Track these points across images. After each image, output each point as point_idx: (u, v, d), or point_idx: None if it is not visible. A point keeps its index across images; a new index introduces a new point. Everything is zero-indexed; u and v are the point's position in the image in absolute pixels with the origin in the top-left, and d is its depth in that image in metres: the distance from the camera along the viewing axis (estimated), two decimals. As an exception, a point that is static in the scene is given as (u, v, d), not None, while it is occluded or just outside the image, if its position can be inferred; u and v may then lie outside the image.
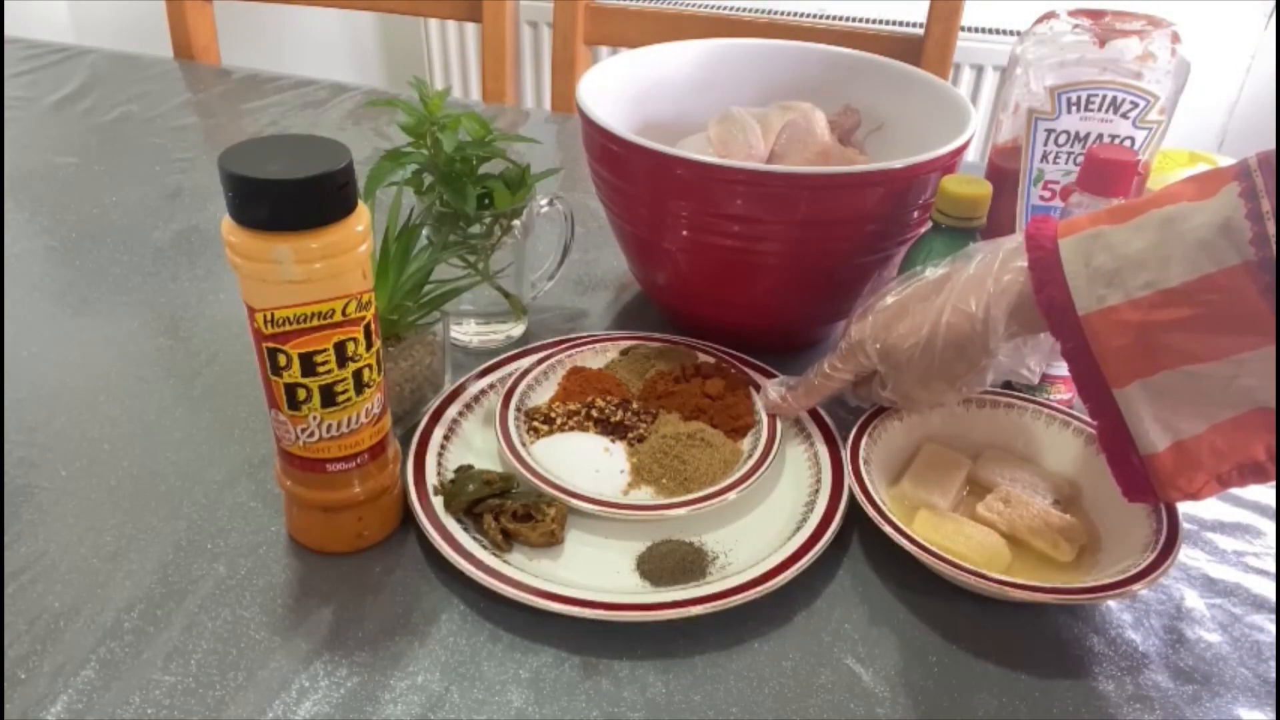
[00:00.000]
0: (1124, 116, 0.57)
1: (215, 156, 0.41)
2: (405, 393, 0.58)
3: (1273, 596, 0.52)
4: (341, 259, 0.43)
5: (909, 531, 0.49)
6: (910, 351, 0.51)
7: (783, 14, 1.34)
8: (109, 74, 1.22)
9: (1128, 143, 0.57)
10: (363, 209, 0.44)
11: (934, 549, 0.48)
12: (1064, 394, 0.62)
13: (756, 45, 0.79)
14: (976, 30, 1.63)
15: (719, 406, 0.59)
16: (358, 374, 0.46)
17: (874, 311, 0.54)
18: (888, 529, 0.49)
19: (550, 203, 0.69)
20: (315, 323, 0.44)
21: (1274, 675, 0.47)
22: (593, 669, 0.46)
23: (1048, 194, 0.60)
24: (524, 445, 0.56)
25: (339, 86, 1.19)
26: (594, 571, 0.50)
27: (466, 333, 0.69)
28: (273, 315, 0.43)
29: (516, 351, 0.65)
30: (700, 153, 0.64)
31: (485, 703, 0.44)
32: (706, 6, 1.69)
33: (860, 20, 1.61)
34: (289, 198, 0.41)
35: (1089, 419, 0.46)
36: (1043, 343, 0.51)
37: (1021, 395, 0.59)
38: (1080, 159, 0.58)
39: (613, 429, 0.58)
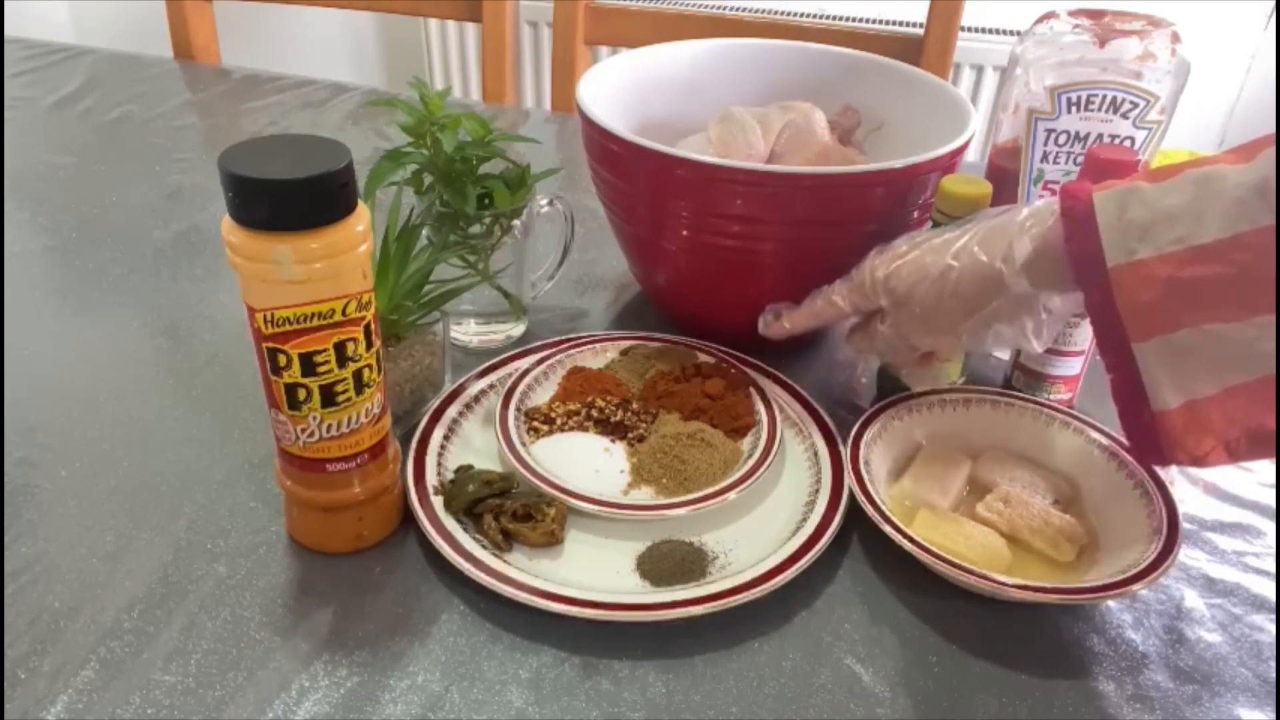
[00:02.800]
0: (1124, 116, 0.57)
1: (215, 156, 0.41)
2: (405, 393, 0.58)
3: (1273, 596, 0.52)
4: (341, 259, 0.43)
5: (909, 531, 0.49)
6: (918, 285, 0.51)
7: (783, 14, 1.34)
8: (109, 74, 1.22)
9: (1128, 143, 0.58)
10: (363, 209, 0.44)
11: (934, 549, 0.48)
12: (1064, 394, 0.62)
13: (756, 45, 0.79)
14: (976, 30, 1.63)
15: (719, 406, 0.59)
16: (358, 374, 0.46)
17: (890, 248, 0.54)
18: (888, 529, 0.49)
19: (550, 203, 0.69)
20: (315, 323, 0.44)
21: (1274, 675, 0.47)
22: (593, 669, 0.46)
23: (1048, 194, 0.60)
24: (524, 445, 0.56)
25: (339, 86, 1.19)
26: (594, 571, 0.50)
27: (466, 333, 0.69)
28: (273, 315, 0.43)
29: (516, 351, 0.65)
30: (700, 153, 0.64)
31: (485, 703, 0.44)
32: (706, 6, 1.69)
33: (860, 20, 1.61)
34: (289, 198, 0.41)
35: (1105, 370, 0.46)
36: (1054, 311, 0.50)
37: (1021, 395, 0.59)
38: (1080, 159, 0.58)
39: (613, 429, 0.58)
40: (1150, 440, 0.45)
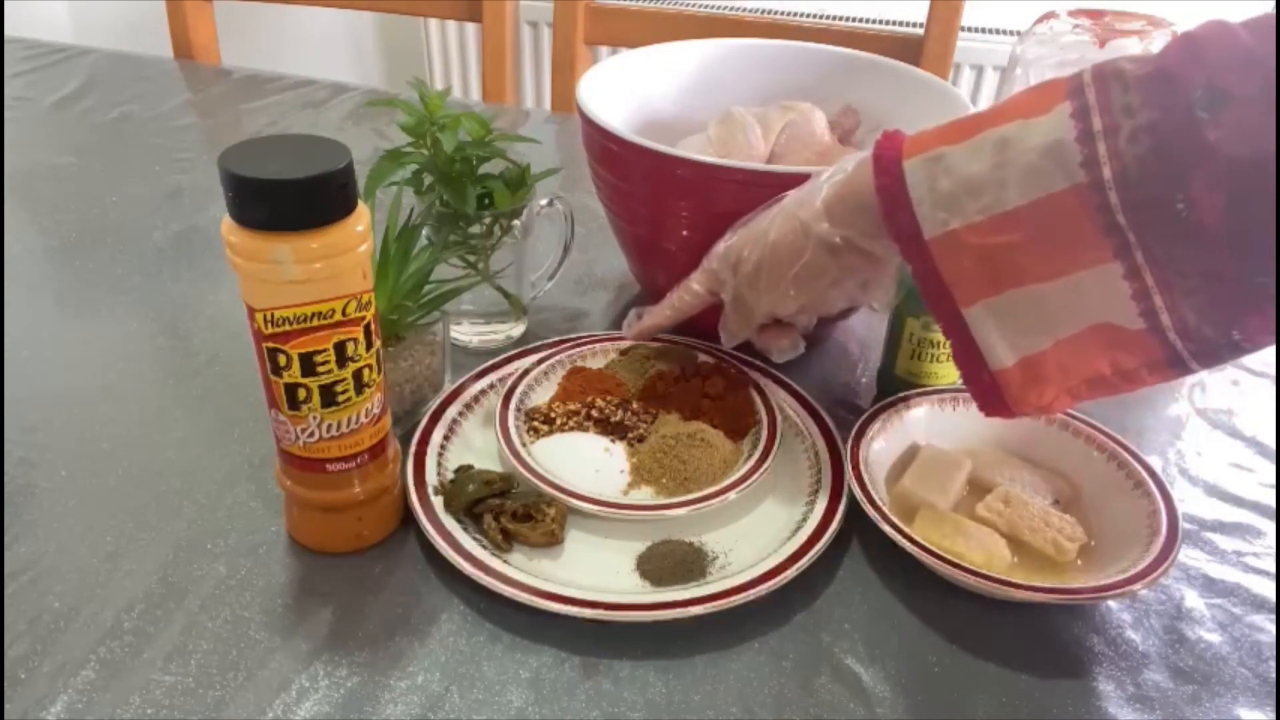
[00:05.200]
0: (1124, 116, 0.57)
1: (215, 156, 0.41)
2: (405, 393, 0.58)
3: (1273, 596, 0.52)
4: (341, 259, 0.43)
5: (909, 531, 0.49)
6: (747, 250, 0.52)
7: (783, 14, 1.34)
8: (109, 74, 1.22)
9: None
10: (363, 209, 0.44)
11: (934, 549, 0.48)
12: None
13: (756, 45, 0.79)
14: (976, 30, 1.63)
15: (719, 406, 0.59)
16: (358, 374, 0.46)
17: (735, 225, 0.55)
18: (888, 529, 0.49)
19: (550, 203, 0.69)
20: (315, 323, 0.44)
21: (1274, 675, 0.47)
22: (593, 669, 0.46)
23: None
24: (524, 445, 0.56)
25: (339, 86, 1.19)
26: (594, 571, 0.50)
27: (466, 333, 0.69)
28: (273, 315, 0.43)
29: (516, 351, 0.65)
30: (700, 153, 0.64)
31: (485, 703, 0.44)
32: (706, 6, 1.69)
33: (860, 20, 1.61)
34: (289, 198, 0.41)
35: (944, 336, 0.47)
36: (883, 264, 0.51)
37: (1021, 395, 0.59)
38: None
39: (613, 429, 0.58)
40: (994, 395, 0.46)
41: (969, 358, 0.46)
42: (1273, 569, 0.53)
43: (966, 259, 0.44)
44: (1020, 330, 0.44)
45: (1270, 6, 0.37)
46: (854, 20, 1.59)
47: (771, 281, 0.52)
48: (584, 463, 0.56)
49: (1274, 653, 0.48)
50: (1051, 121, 0.41)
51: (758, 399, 0.60)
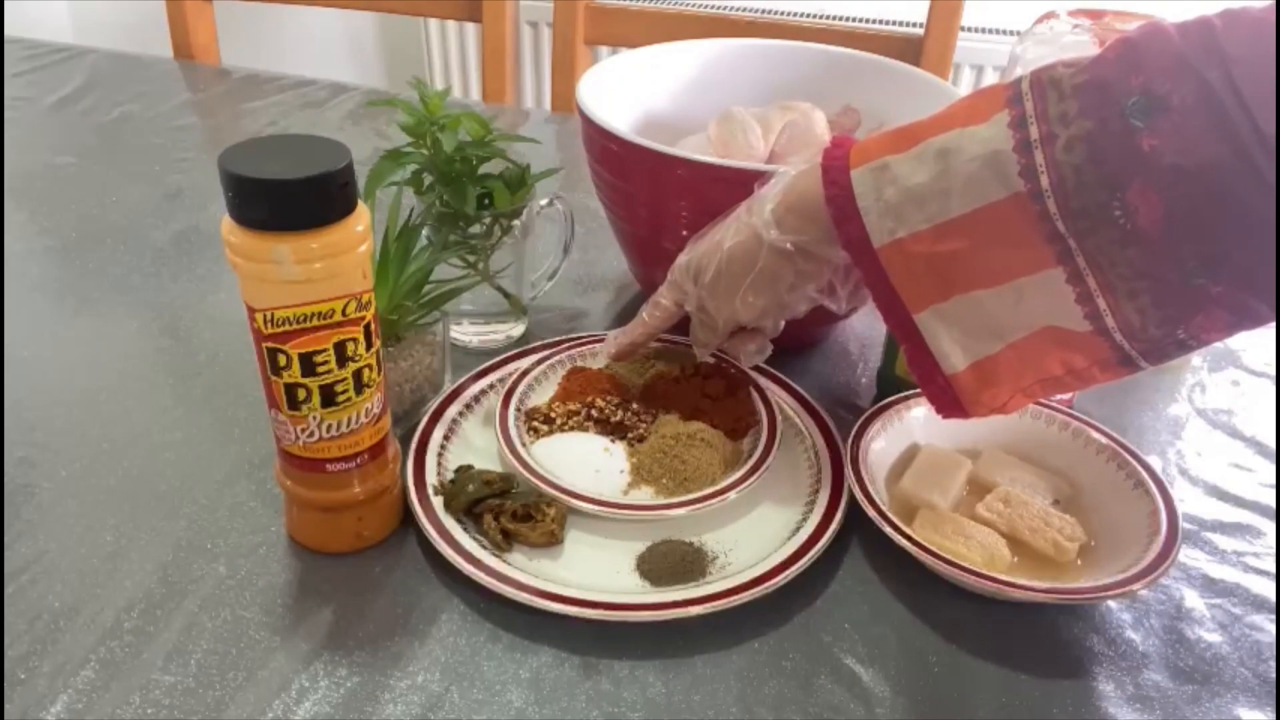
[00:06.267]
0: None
1: (215, 156, 0.41)
2: (405, 393, 0.58)
3: (1273, 596, 0.52)
4: (341, 259, 0.43)
5: (909, 531, 0.49)
6: (705, 257, 0.52)
7: (783, 14, 1.34)
8: (109, 74, 1.22)
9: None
10: (363, 209, 0.44)
11: (934, 549, 0.48)
12: (1064, 394, 0.62)
13: (756, 45, 0.79)
14: (976, 30, 1.63)
15: (719, 406, 0.59)
16: (358, 374, 0.46)
17: (695, 236, 0.55)
18: (888, 529, 0.49)
19: (550, 203, 0.69)
20: (315, 323, 0.44)
21: (1274, 675, 0.47)
22: (593, 669, 0.46)
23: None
24: (524, 445, 0.56)
25: (339, 86, 1.19)
26: (594, 571, 0.50)
27: (466, 333, 0.69)
28: (273, 315, 0.43)
29: (516, 351, 0.65)
30: (700, 153, 0.64)
31: (485, 703, 0.44)
32: (706, 6, 1.69)
33: (860, 20, 1.61)
34: (289, 198, 0.41)
35: (898, 342, 0.47)
36: (838, 268, 0.51)
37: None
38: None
39: (613, 429, 0.58)
40: (949, 398, 0.47)
41: (922, 362, 0.46)
42: (1273, 569, 0.53)
43: (914, 266, 0.44)
44: (971, 334, 0.45)
45: (1269, 7, 0.37)
46: (854, 20, 1.59)
47: (730, 289, 0.52)
48: (584, 463, 0.56)
49: (1274, 653, 0.48)
50: (990, 130, 0.41)
51: (758, 399, 0.60)
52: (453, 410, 0.59)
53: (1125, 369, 0.43)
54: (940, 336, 0.45)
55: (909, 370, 0.47)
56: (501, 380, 0.62)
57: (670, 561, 0.50)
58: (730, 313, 0.54)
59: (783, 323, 0.57)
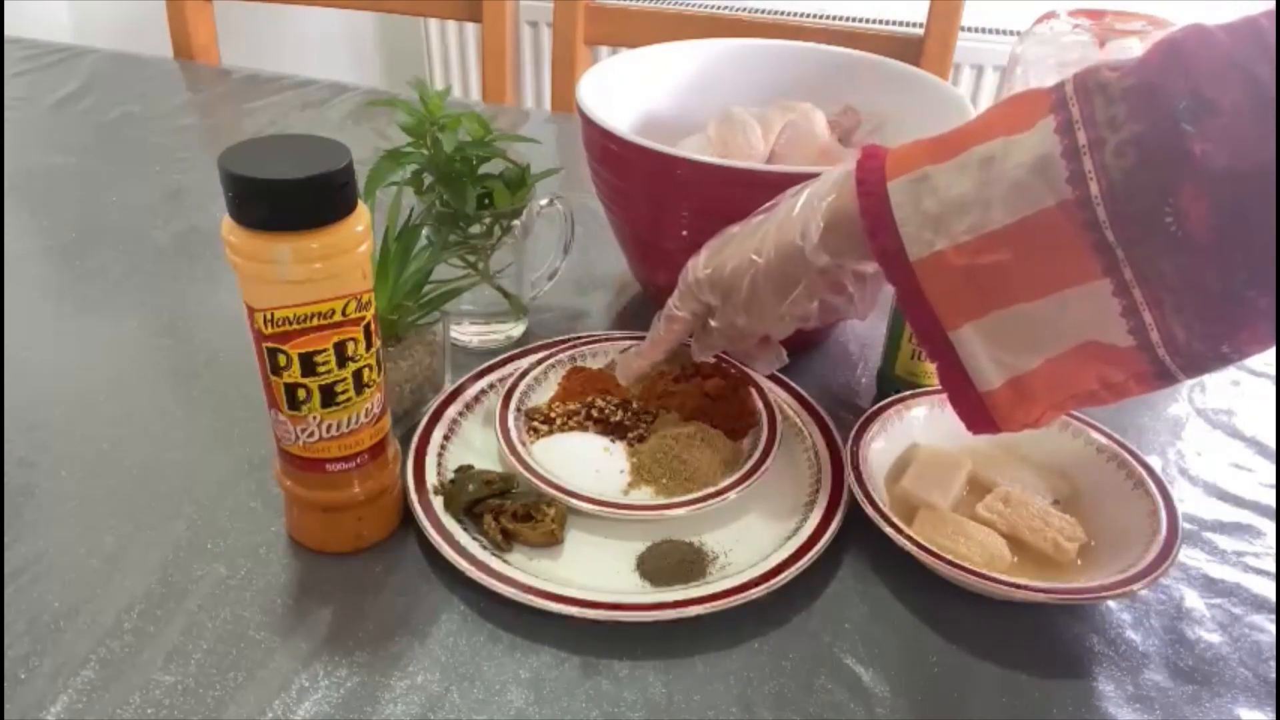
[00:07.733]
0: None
1: (215, 156, 0.41)
2: (405, 393, 0.58)
3: (1273, 596, 0.52)
4: (341, 259, 0.43)
5: (909, 531, 0.49)
6: (736, 274, 0.51)
7: (783, 14, 1.34)
8: (109, 74, 1.22)
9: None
10: (363, 209, 0.44)
11: (934, 549, 0.48)
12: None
13: (756, 45, 0.79)
14: (976, 30, 1.63)
15: (719, 406, 0.59)
16: (358, 374, 0.46)
17: (708, 246, 0.54)
18: (888, 529, 0.49)
19: (550, 203, 0.69)
20: (315, 323, 0.44)
21: (1274, 675, 0.47)
22: (593, 669, 0.46)
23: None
24: (524, 445, 0.56)
25: (339, 86, 1.19)
26: (594, 571, 0.50)
27: (466, 333, 0.69)
28: (273, 315, 0.43)
29: (516, 351, 0.65)
30: (700, 153, 0.64)
31: (485, 703, 0.44)
32: (706, 6, 1.69)
33: (860, 20, 1.61)
34: (289, 198, 0.41)
35: (929, 359, 0.46)
36: (869, 277, 0.51)
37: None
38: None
39: (613, 429, 0.58)
40: (982, 416, 0.45)
41: (954, 378, 0.45)
42: (1273, 569, 0.53)
43: (953, 280, 0.43)
44: (1008, 350, 0.43)
45: (1270, 7, 0.37)
46: (854, 20, 1.59)
47: (767, 309, 0.51)
48: (584, 463, 0.56)
49: (1274, 653, 0.48)
50: (1036, 137, 0.40)
51: (758, 399, 0.60)
52: (453, 410, 0.59)
53: (1161, 382, 0.42)
54: (976, 353, 0.44)
55: (941, 387, 0.46)
56: (501, 380, 0.62)
57: (670, 561, 0.50)
58: (761, 329, 0.53)
59: (793, 329, 0.57)
